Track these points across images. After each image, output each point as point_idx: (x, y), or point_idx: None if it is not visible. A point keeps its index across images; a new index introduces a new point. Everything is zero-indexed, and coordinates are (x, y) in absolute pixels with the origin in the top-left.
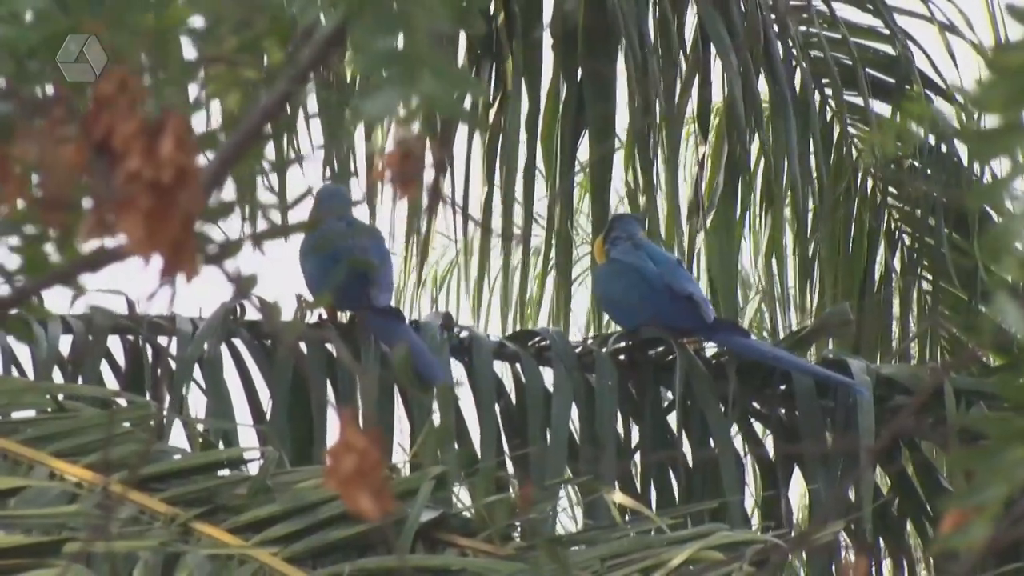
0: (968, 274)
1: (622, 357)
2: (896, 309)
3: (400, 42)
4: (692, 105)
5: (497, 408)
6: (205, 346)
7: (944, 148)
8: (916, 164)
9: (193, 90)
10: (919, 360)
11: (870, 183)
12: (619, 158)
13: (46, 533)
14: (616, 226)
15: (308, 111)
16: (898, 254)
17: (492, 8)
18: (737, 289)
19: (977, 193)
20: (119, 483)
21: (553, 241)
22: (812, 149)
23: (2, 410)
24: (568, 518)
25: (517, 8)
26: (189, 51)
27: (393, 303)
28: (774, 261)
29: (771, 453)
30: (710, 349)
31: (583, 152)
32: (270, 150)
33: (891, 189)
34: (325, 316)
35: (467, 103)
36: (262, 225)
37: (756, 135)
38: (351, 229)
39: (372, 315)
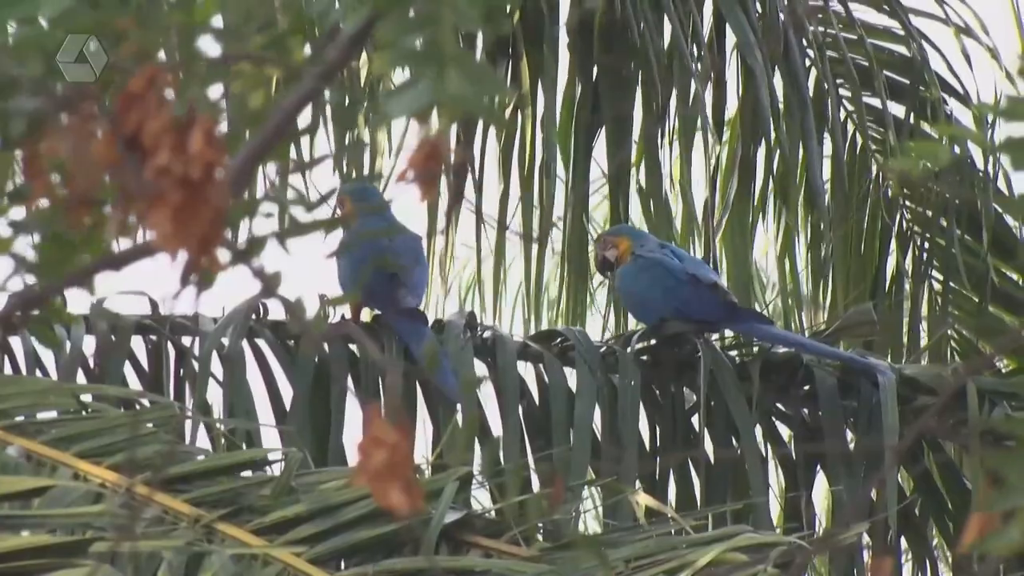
0: (979, 276)
1: (645, 357)
2: (907, 311)
3: (426, 41)
4: (707, 106)
5: (520, 408)
6: (225, 340)
7: (957, 150)
8: (928, 165)
9: (219, 88)
10: (929, 363)
11: (883, 183)
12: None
13: (71, 533)
14: (641, 235)
15: (328, 111)
16: (910, 255)
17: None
18: (753, 289)
19: (1002, 200)
20: (143, 484)
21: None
22: (828, 149)
23: (26, 411)
24: (592, 519)
25: (543, 6)
26: (215, 49)
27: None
28: (787, 262)
29: (794, 454)
30: (732, 351)
31: (599, 150)
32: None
33: (904, 190)
34: (349, 315)
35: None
36: (288, 221)
37: (771, 135)
38: (389, 227)
39: (397, 315)
